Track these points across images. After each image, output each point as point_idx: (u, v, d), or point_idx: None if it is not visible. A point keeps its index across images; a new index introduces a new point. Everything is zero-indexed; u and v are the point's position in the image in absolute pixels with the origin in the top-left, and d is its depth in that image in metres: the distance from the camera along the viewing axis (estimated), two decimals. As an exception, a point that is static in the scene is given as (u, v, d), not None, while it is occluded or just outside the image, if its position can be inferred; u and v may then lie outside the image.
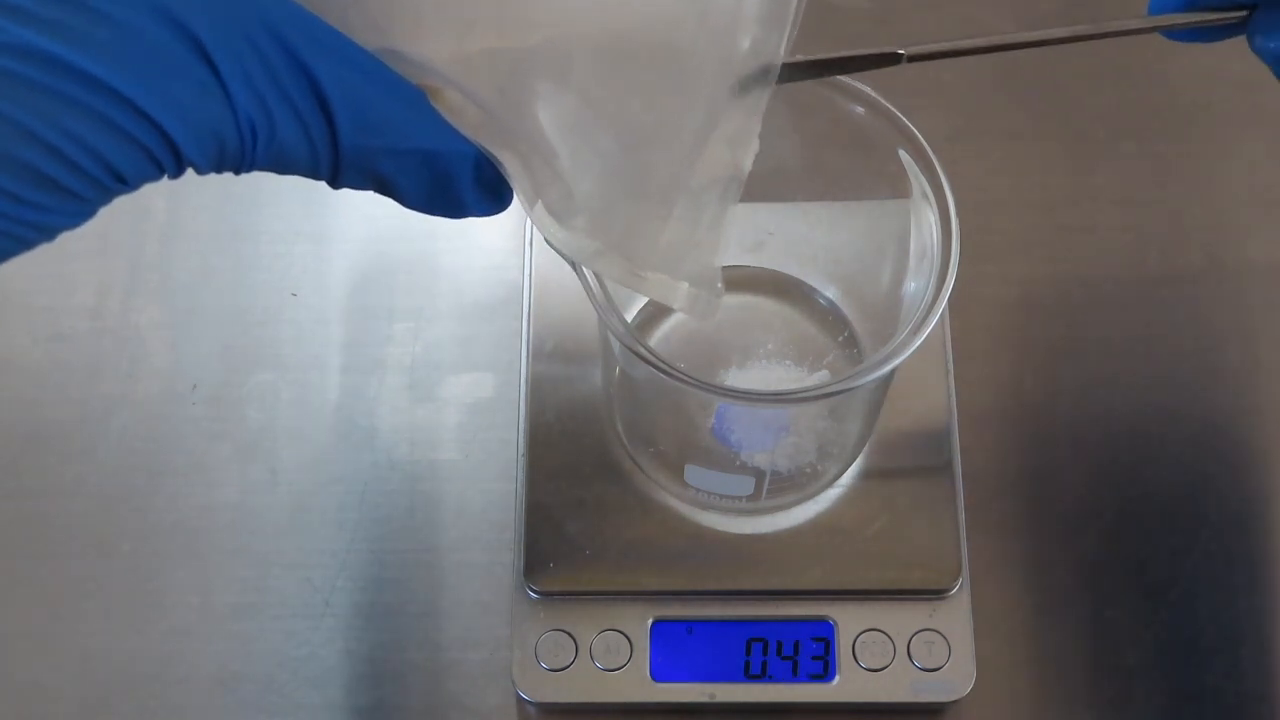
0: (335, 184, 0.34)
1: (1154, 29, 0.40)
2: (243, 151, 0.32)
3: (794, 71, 0.39)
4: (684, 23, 0.36)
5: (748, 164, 0.39)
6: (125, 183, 0.31)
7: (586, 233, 0.37)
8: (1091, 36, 0.40)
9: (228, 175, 0.33)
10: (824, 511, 0.52)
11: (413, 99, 0.34)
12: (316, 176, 0.34)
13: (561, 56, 0.35)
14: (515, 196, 0.36)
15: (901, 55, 0.39)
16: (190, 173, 0.32)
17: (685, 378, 0.42)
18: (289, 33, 0.31)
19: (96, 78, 0.29)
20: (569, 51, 0.35)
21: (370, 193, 0.58)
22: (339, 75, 0.32)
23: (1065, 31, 0.40)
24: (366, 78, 0.32)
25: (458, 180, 0.35)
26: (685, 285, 0.39)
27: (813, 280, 0.55)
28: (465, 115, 0.35)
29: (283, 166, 0.33)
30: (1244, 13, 0.39)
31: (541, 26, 0.35)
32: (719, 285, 0.40)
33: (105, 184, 0.30)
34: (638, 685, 0.51)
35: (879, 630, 0.51)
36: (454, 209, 0.36)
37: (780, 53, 0.38)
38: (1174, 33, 0.41)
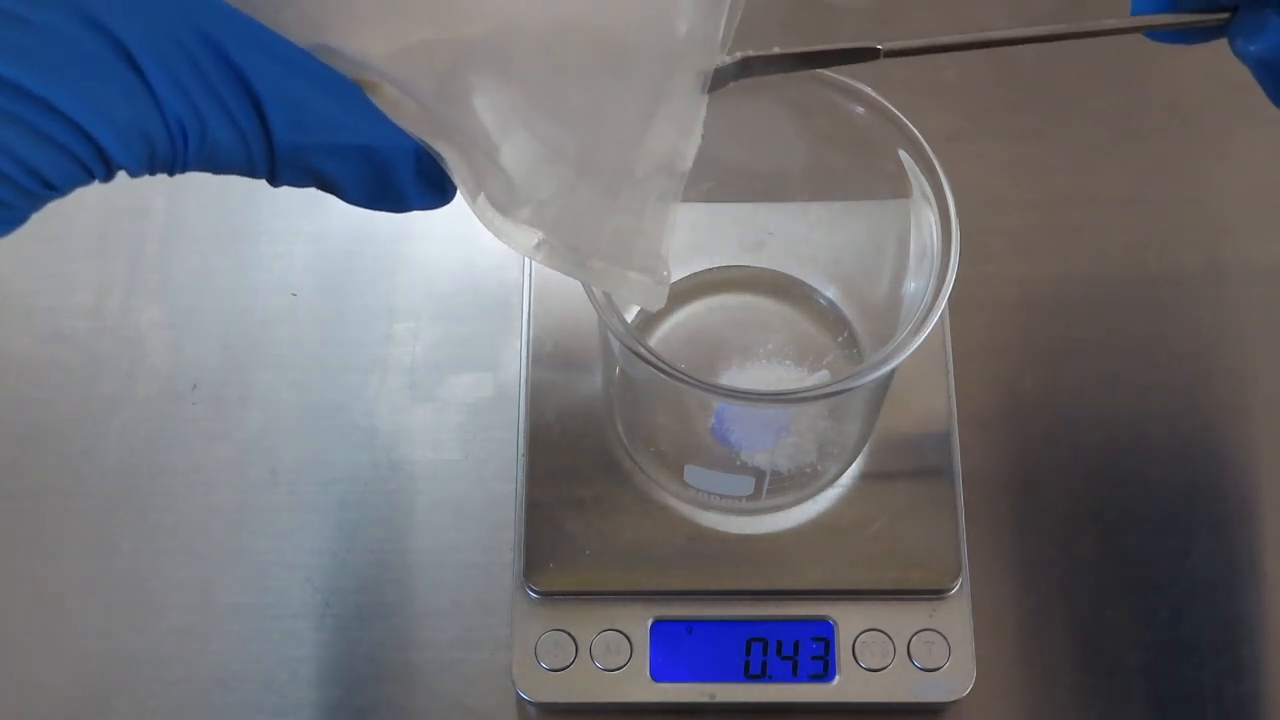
0: (274, 182, 0.34)
1: (1135, 29, 0.40)
2: (174, 153, 0.31)
3: (769, 64, 0.39)
4: (621, 9, 0.36)
5: (690, 155, 0.39)
6: (54, 189, 0.30)
7: (530, 223, 0.37)
8: (1073, 35, 0.40)
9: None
10: (824, 511, 0.52)
11: (349, 94, 0.33)
12: (254, 175, 0.33)
13: (501, 47, 0.35)
14: (458, 190, 0.36)
15: (879, 50, 0.39)
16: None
17: (685, 378, 0.42)
18: (217, 32, 0.31)
19: (17, 84, 0.29)
20: (508, 41, 0.35)
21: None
22: (270, 73, 0.32)
23: (1045, 30, 0.40)
24: (299, 74, 0.32)
25: (399, 175, 0.35)
26: (632, 274, 0.39)
27: (813, 280, 0.55)
28: (403, 109, 0.34)
29: (218, 167, 0.33)
30: (1225, 15, 0.39)
31: (480, 17, 0.35)
32: (665, 273, 0.40)
33: (33, 191, 0.30)
34: (638, 685, 0.51)
35: (879, 630, 0.51)
36: (396, 204, 0.36)
37: (719, 37, 0.38)
38: (1156, 34, 0.41)
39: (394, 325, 0.59)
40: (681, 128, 0.38)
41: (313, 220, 0.61)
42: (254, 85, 0.31)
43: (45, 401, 0.58)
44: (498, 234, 0.37)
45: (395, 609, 0.54)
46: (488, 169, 0.36)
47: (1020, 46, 0.40)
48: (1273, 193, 0.62)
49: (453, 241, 0.61)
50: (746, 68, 0.39)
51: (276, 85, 0.32)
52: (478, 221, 0.36)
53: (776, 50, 0.39)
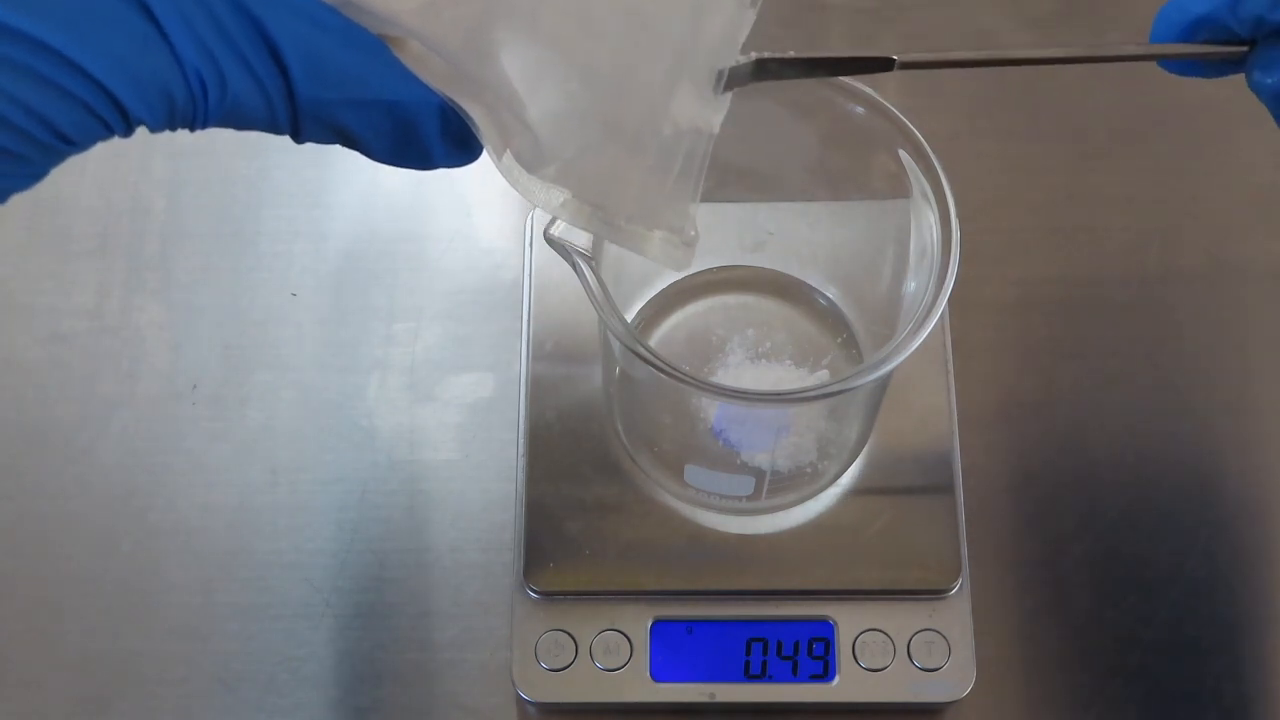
0: (298, 138, 0.34)
1: (1152, 57, 0.40)
2: (194, 107, 0.31)
3: (785, 68, 0.39)
4: None
5: (718, 118, 0.38)
6: (72, 143, 0.30)
7: (556, 181, 0.37)
8: (1088, 59, 0.40)
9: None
10: (824, 511, 0.52)
11: (373, 49, 0.33)
12: (277, 131, 0.33)
13: (529, 4, 0.35)
14: (483, 147, 0.36)
15: (894, 61, 0.39)
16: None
17: (685, 378, 0.42)
18: None
19: (31, 36, 0.28)
20: None
21: (367, 188, 0.58)
22: (291, 26, 0.31)
23: (1062, 52, 0.40)
24: (321, 28, 0.32)
25: (423, 132, 0.35)
26: (658, 233, 0.39)
27: (813, 280, 0.55)
28: (429, 66, 0.34)
29: (239, 121, 0.33)
30: (1244, 48, 0.39)
31: None
32: (693, 234, 0.39)
33: (50, 145, 0.30)
34: (638, 685, 0.51)
35: (879, 630, 0.51)
36: (421, 161, 0.36)
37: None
38: (1172, 65, 0.41)
39: (394, 325, 0.59)
40: (709, 90, 0.38)
41: (313, 220, 0.61)
42: (274, 38, 0.31)
43: (45, 401, 0.58)
44: (523, 192, 0.37)
45: (395, 609, 0.54)
46: (514, 127, 0.36)
47: (1021, 48, 0.40)
48: (1273, 193, 0.62)
49: (453, 241, 0.61)
50: (761, 69, 0.39)
51: (297, 39, 0.31)
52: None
53: (792, 53, 0.39)
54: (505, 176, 0.36)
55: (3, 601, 0.54)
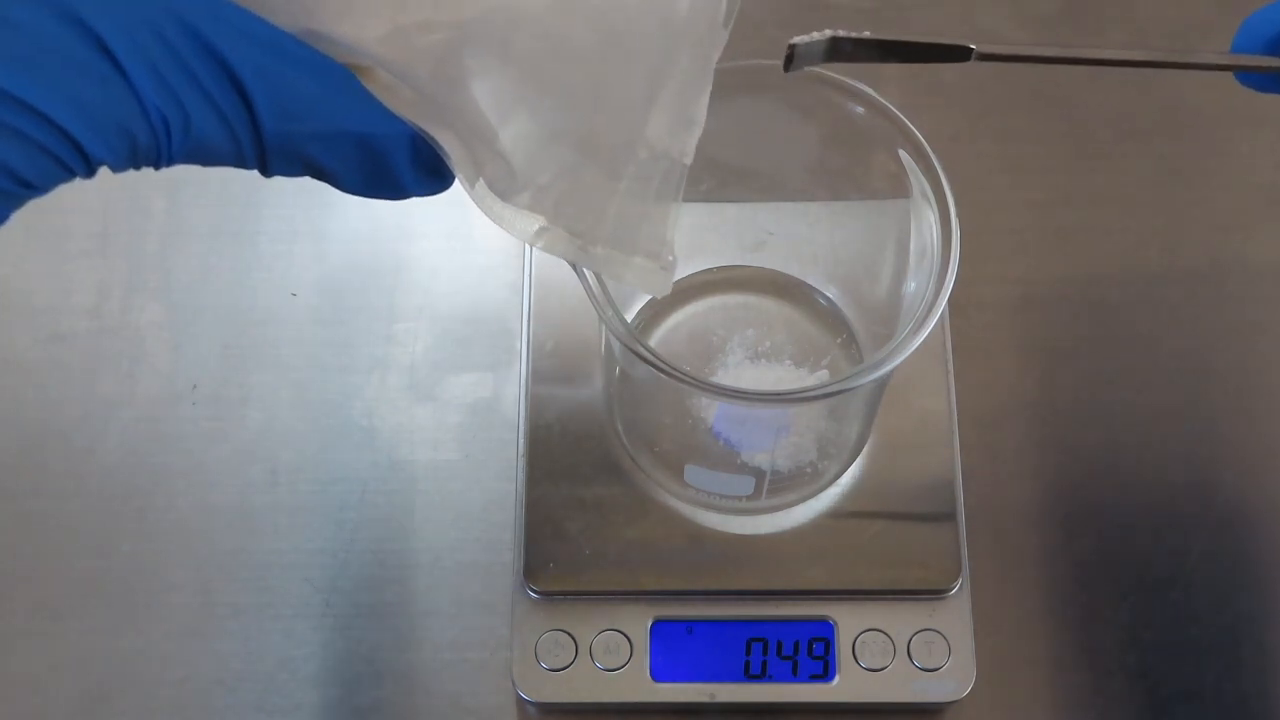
0: (266, 173, 0.33)
1: (1233, 68, 0.39)
2: (157, 146, 0.31)
3: (857, 49, 0.38)
4: None
5: (692, 144, 0.38)
6: (31, 187, 0.30)
7: (531, 209, 0.36)
8: (1167, 64, 0.39)
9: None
10: (824, 511, 0.52)
11: (340, 80, 0.32)
12: (244, 166, 0.33)
13: (498, 28, 0.34)
14: (455, 176, 0.36)
15: (971, 51, 0.37)
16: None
17: (685, 378, 0.42)
18: (197, 19, 0.30)
19: None
20: (506, 23, 0.34)
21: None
22: (256, 60, 0.31)
23: (1141, 54, 0.39)
24: (286, 60, 0.31)
25: (394, 162, 0.34)
26: (637, 259, 0.38)
27: (813, 280, 0.55)
28: (398, 95, 0.33)
29: (205, 158, 0.32)
30: None
31: None
32: (671, 258, 0.39)
33: (9, 190, 0.29)
34: (638, 685, 0.51)
35: (879, 630, 0.51)
36: (393, 191, 0.35)
37: (720, 17, 0.37)
38: (1251, 78, 0.40)
39: (394, 325, 0.59)
40: (684, 111, 0.37)
41: (313, 220, 0.61)
42: (239, 73, 0.30)
43: (45, 401, 0.58)
44: (497, 220, 0.36)
45: (395, 609, 0.54)
46: (486, 154, 0.35)
47: (1098, 48, 0.39)
48: (1273, 193, 0.62)
49: (453, 241, 0.61)
50: (835, 49, 0.37)
51: (263, 73, 0.31)
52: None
53: (867, 34, 0.38)
54: (478, 205, 0.36)
55: (3, 601, 0.54)
